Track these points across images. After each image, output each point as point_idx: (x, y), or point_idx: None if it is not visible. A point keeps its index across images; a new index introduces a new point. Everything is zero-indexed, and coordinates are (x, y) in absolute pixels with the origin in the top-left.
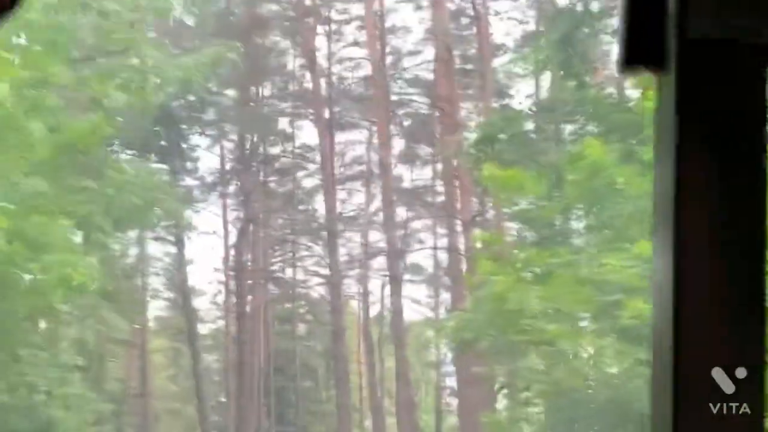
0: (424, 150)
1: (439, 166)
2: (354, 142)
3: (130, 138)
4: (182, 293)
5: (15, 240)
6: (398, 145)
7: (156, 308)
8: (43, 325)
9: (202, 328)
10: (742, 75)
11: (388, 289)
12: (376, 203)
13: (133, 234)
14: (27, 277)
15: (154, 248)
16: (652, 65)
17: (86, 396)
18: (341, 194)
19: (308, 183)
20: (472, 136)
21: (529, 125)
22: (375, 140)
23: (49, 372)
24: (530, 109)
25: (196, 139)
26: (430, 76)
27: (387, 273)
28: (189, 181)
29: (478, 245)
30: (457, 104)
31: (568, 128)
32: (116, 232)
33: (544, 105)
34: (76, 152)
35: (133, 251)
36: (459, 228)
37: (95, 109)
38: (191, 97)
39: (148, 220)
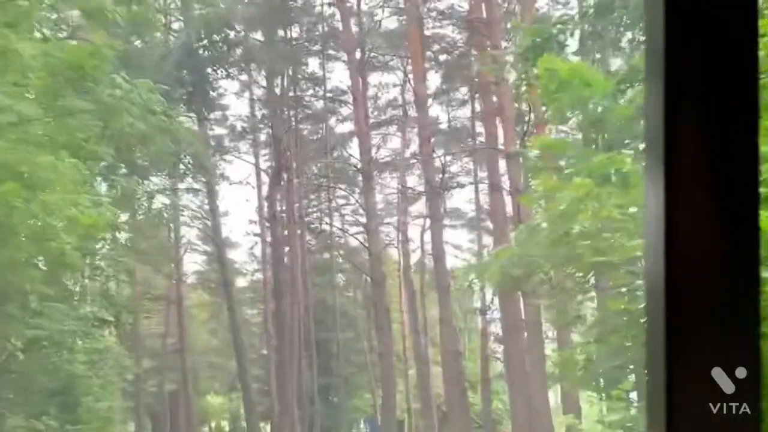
0: (461, 87)
1: (477, 102)
2: (388, 85)
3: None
4: (216, 245)
5: (9, 178)
6: (434, 83)
7: (192, 262)
8: (63, 275)
9: (242, 281)
10: None
11: (427, 236)
12: (413, 147)
13: (158, 180)
14: (29, 220)
15: (186, 199)
16: None
17: (113, 350)
18: (376, 139)
19: (341, 128)
20: (517, 49)
21: (582, 34)
22: (410, 81)
23: (71, 326)
24: (584, 15)
25: (223, 85)
26: (466, 5)
27: (427, 215)
28: (219, 130)
29: (536, 152)
30: (497, 29)
31: (627, 35)
32: (140, 178)
33: (599, 10)
34: (76, 77)
35: (164, 200)
36: (502, 164)
37: (96, 29)
38: (215, 37)
39: (157, 149)
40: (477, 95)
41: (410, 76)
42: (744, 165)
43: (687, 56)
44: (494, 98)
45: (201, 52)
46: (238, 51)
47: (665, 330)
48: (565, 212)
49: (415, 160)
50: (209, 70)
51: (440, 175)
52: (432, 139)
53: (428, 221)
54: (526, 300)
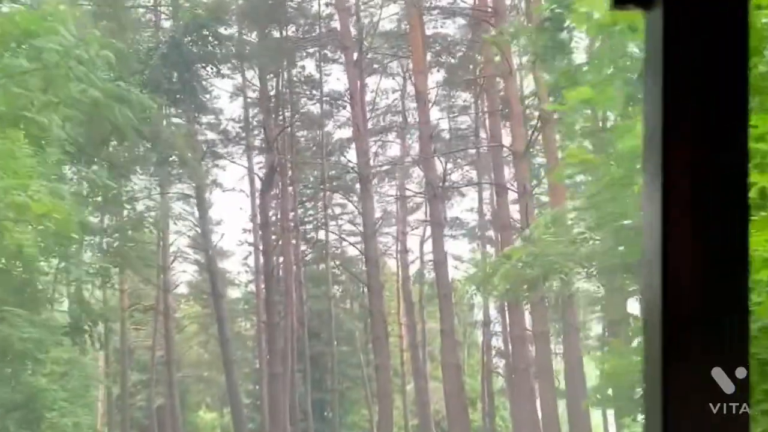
0: (464, 84)
1: (480, 104)
2: (387, 91)
3: (140, 80)
4: (206, 254)
5: None
6: (436, 84)
7: (182, 271)
8: (24, 277)
9: (236, 292)
10: (726, 8)
11: (426, 246)
12: (413, 153)
13: (140, 180)
14: None
15: (174, 204)
16: (640, 3)
17: (82, 361)
18: (375, 147)
19: (339, 133)
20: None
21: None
22: (410, 76)
23: (31, 333)
24: None
25: (215, 86)
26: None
27: (427, 220)
28: (211, 135)
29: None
30: (504, 20)
31: None
32: (121, 178)
33: None
34: (22, 38)
35: (147, 203)
36: (509, 165)
37: None
38: (204, 32)
39: (117, 121)
40: (481, 91)
41: (410, 70)
42: (734, 174)
43: (685, 72)
44: (500, 94)
45: (190, 47)
46: (231, 49)
47: (664, 330)
48: (612, 182)
49: (415, 163)
50: (198, 66)
51: (441, 177)
52: (433, 143)
53: (428, 230)
54: (533, 309)
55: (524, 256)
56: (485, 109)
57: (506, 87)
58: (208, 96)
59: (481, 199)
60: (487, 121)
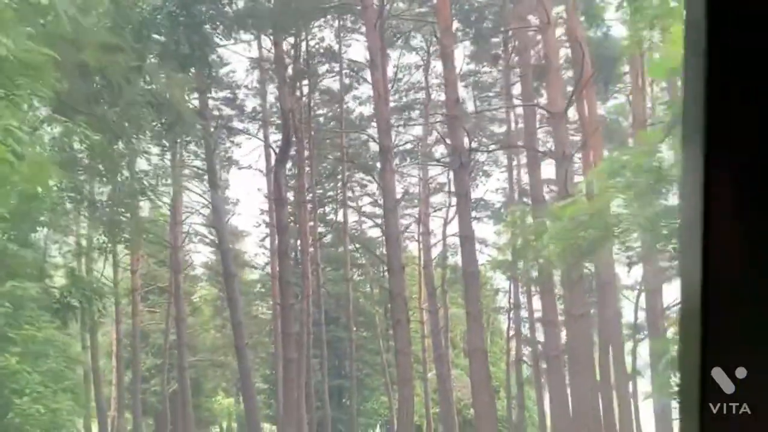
0: (492, 59)
1: (513, 65)
2: (410, 66)
3: (151, 47)
4: (217, 231)
5: None
6: (462, 63)
7: (197, 252)
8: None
9: (252, 274)
10: None
11: (449, 228)
12: (433, 136)
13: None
14: None
15: (189, 182)
16: None
17: (60, 340)
18: (397, 124)
19: (359, 110)
20: None
21: None
22: (432, 63)
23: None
24: None
25: (229, 59)
26: None
27: (452, 192)
28: (227, 111)
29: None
30: None
31: None
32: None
33: None
34: None
35: (144, 167)
36: (540, 142)
37: None
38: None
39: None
40: (510, 60)
41: (435, 42)
42: None
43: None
44: (533, 62)
45: (200, 7)
46: (242, 11)
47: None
48: None
49: (439, 139)
50: (208, 28)
51: (467, 144)
52: (458, 122)
53: (450, 212)
54: (570, 290)
55: (578, 213)
56: (517, 77)
57: (543, 40)
58: (219, 61)
59: (511, 178)
60: (517, 99)
